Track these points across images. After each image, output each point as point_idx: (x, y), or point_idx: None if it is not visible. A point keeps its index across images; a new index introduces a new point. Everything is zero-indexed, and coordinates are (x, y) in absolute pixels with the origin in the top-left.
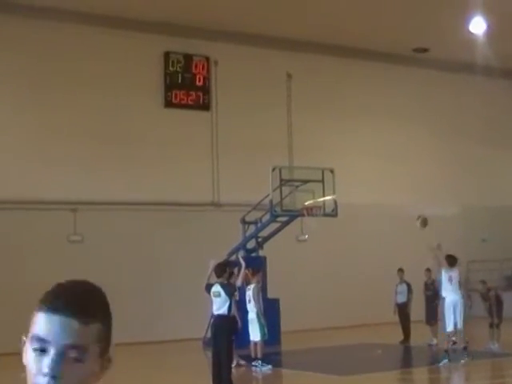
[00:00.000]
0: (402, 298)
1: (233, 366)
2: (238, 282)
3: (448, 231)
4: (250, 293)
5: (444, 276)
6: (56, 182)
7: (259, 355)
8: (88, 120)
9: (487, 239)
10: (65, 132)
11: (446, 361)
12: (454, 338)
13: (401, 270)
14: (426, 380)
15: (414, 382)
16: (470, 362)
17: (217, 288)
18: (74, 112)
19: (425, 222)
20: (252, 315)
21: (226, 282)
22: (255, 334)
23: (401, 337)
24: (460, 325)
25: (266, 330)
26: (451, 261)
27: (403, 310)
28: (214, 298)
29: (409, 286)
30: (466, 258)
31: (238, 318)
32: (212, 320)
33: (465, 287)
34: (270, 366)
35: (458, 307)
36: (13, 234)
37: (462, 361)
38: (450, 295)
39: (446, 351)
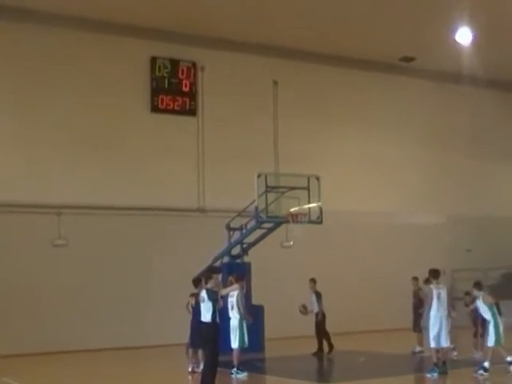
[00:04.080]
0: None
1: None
2: (223, 292)
3: (433, 240)
4: (233, 299)
5: (433, 293)
6: (40, 185)
7: (235, 362)
8: (73, 124)
9: (471, 249)
10: (49, 135)
11: (435, 374)
12: (452, 346)
13: (312, 280)
14: None
15: None
16: (453, 371)
17: (202, 293)
18: (59, 115)
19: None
20: (234, 322)
21: (211, 287)
22: (234, 341)
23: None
24: (445, 342)
25: (245, 338)
26: (435, 274)
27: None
28: (201, 304)
29: (318, 295)
30: (451, 266)
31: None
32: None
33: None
34: (245, 374)
35: (444, 324)
36: None
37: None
38: (437, 313)
39: (436, 364)
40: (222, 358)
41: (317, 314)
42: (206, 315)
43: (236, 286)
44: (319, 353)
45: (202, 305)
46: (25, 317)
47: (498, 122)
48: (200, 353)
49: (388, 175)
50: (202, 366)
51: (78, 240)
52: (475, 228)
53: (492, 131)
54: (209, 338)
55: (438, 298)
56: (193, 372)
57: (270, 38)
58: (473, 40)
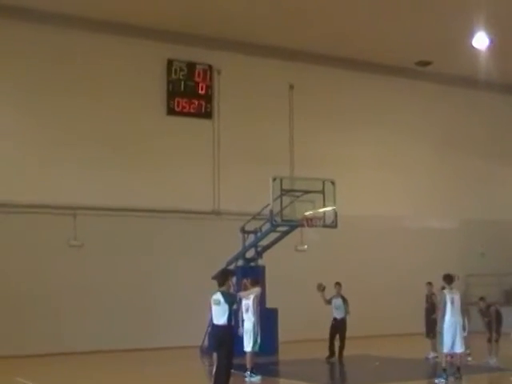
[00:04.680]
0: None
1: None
2: (242, 294)
3: (447, 245)
4: (249, 302)
5: (447, 298)
6: (57, 186)
7: (248, 366)
8: (90, 125)
9: (485, 253)
10: (66, 137)
11: (443, 380)
12: (467, 351)
13: (337, 284)
14: None
15: None
16: (469, 377)
17: (217, 296)
18: (76, 117)
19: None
20: (248, 325)
21: (227, 291)
22: (247, 344)
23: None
24: (459, 347)
25: (258, 340)
26: (449, 279)
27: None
28: (213, 306)
29: (344, 300)
30: (465, 271)
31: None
32: (210, 329)
33: (463, 303)
34: (259, 377)
35: (458, 329)
36: (13, 237)
37: (452, 378)
38: (451, 318)
39: (445, 370)
40: (235, 361)
41: (341, 319)
42: (221, 318)
43: (258, 289)
44: (332, 357)
45: (218, 307)
46: (39, 317)
47: None
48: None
49: (403, 179)
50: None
51: (94, 241)
52: (489, 232)
53: (506, 135)
54: (224, 340)
55: (452, 303)
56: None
57: (287, 41)
58: (489, 45)
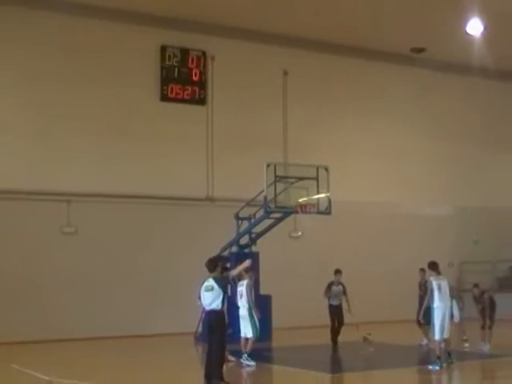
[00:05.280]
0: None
1: None
2: (234, 272)
3: (442, 232)
4: (242, 288)
5: (433, 285)
6: (50, 173)
7: (248, 350)
8: (83, 112)
9: (478, 241)
10: (59, 124)
11: (437, 367)
12: (464, 337)
13: (338, 272)
14: (416, 380)
15: (403, 381)
16: (463, 363)
17: (210, 282)
18: (68, 104)
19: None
20: (243, 311)
21: (218, 275)
22: (247, 330)
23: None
24: (447, 333)
25: (258, 326)
26: (434, 266)
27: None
28: (205, 293)
29: (344, 287)
30: (459, 258)
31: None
32: (204, 315)
33: (457, 290)
34: (253, 363)
35: (447, 316)
36: (5, 224)
37: (445, 364)
38: (440, 304)
39: (439, 357)
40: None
41: (338, 306)
42: (214, 303)
43: (247, 261)
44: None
45: (211, 293)
46: (33, 304)
47: (508, 113)
48: None
49: (397, 166)
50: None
51: (87, 228)
52: (484, 220)
53: (501, 122)
54: (217, 325)
55: (439, 289)
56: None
57: (281, 27)
58: (483, 31)
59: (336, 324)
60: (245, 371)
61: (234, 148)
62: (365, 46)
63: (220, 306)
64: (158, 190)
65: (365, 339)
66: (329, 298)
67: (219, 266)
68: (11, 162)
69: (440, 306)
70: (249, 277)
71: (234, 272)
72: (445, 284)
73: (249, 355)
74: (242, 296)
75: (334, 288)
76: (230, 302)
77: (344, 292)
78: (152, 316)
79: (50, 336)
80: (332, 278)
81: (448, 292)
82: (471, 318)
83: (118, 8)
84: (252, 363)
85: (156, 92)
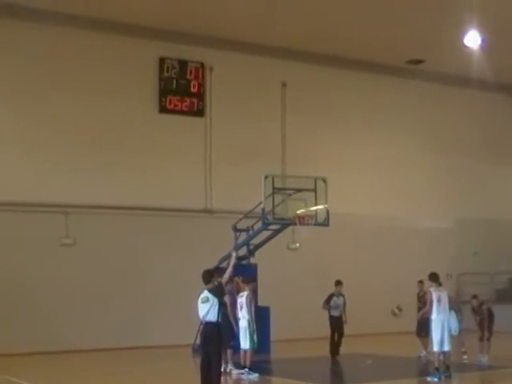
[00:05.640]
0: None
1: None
2: (225, 277)
3: (440, 244)
4: (242, 300)
5: (433, 296)
6: (48, 184)
7: (247, 363)
8: (81, 124)
9: (478, 252)
10: (57, 135)
11: (435, 379)
12: (463, 349)
13: (339, 283)
14: None
15: None
16: (461, 375)
17: (205, 294)
18: (66, 116)
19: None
20: (244, 322)
21: (213, 286)
22: (245, 342)
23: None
24: (447, 346)
25: (255, 338)
26: (435, 278)
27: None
28: (201, 305)
29: (344, 298)
30: (458, 270)
31: (233, 325)
32: (201, 327)
33: (456, 301)
34: (256, 375)
35: (446, 327)
36: (4, 236)
37: (443, 377)
38: (438, 315)
39: (437, 369)
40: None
41: (339, 317)
42: (210, 314)
43: (232, 255)
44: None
45: (206, 305)
46: (31, 316)
47: (507, 125)
48: (229, 352)
49: (395, 179)
50: (229, 366)
51: (85, 239)
52: (482, 232)
53: (500, 135)
54: (212, 337)
55: (439, 301)
56: (225, 373)
57: (279, 39)
58: (482, 43)
59: (336, 336)
60: (244, 383)
61: (232, 160)
62: (362, 59)
63: (216, 318)
64: (156, 202)
65: (394, 312)
66: (329, 310)
67: (215, 278)
68: (9, 173)
69: (439, 318)
70: (250, 289)
71: (226, 276)
72: (444, 296)
73: (250, 368)
74: (241, 308)
75: (335, 299)
76: (234, 314)
77: (344, 303)
78: (150, 327)
79: (47, 348)
80: (330, 289)
81: (447, 304)
82: (470, 330)
83: (117, 20)
84: (254, 376)
85: (154, 104)
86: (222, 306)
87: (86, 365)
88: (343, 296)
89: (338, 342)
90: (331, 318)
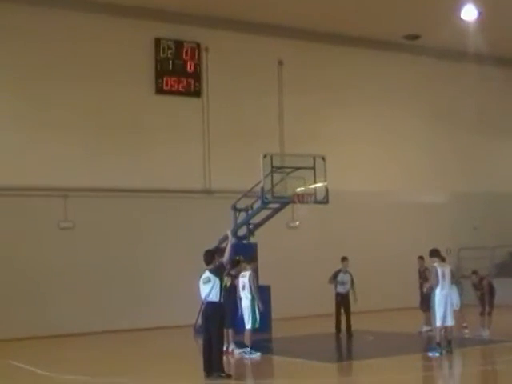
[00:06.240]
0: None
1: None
2: (225, 258)
3: (439, 218)
4: (245, 280)
5: (438, 271)
6: (46, 168)
7: (248, 343)
8: (78, 106)
9: (478, 227)
10: (54, 118)
11: (437, 354)
12: (464, 324)
13: (345, 259)
14: (417, 367)
15: (404, 368)
16: (462, 350)
17: (206, 274)
18: (64, 98)
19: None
20: (246, 302)
21: (214, 267)
22: (248, 321)
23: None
24: (451, 321)
25: (257, 318)
26: (437, 253)
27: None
28: (203, 286)
29: (351, 275)
30: (458, 245)
31: (238, 305)
32: (203, 307)
33: (457, 276)
34: (258, 354)
35: (449, 302)
36: (3, 220)
37: (444, 351)
38: (442, 291)
39: (438, 344)
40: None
41: (346, 294)
42: (211, 294)
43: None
44: (339, 333)
45: (208, 285)
46: (31, 300)
47: (503, 99)
48: (230, 332)
49: (393, 154)
50: (231, 346)
51: (85, 222)
52: (482, 205)
53: (497, 108)
54: (215, 317)
55: (443, 276)
56: (229, 352)
57: (275, 17)
58: (478, 17)
59: (342, 312)
60: (246, 362)
61: (231, 139)
62: (360, 35)
63: (218, 298)
64: (155, 183)
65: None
66: (336, 286)
67: (216, 259)
68: (7, 158)
69: (442, 293)
70: (252, 269)
71: (226, 255)
72: (448, 271)
73: (251, 347)
74: (244, 287)
75: (342, 275)
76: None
77: (352, 281)
78: (150, 309)
79: (48, 332)
80: (331, 267)
81: (450, 279)
82: (470, 305)
83: (111, 1)
84: (256, 355)
85: (151, 85)
86: (231, 288)
87: (88, 348)
88: (350, 274)
89: (347, 322)
90: (337, 294)
